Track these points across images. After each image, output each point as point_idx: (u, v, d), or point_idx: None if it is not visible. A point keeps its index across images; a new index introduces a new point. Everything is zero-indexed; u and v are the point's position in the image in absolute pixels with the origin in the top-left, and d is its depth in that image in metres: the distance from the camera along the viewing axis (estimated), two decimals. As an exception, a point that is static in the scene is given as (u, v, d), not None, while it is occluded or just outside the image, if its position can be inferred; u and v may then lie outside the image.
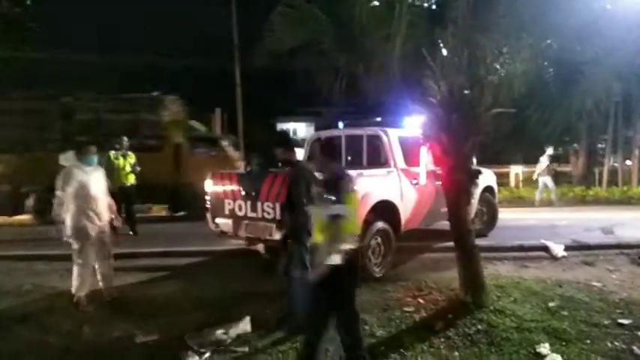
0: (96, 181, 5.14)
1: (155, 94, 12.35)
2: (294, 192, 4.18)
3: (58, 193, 4.97)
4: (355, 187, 3.44)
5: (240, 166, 10.80)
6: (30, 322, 4.80)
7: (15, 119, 11.53)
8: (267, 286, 5.50)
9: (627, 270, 6.52)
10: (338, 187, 3.25)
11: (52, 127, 11.46)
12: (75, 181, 4.96)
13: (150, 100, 12.15)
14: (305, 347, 3.40)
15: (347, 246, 3.18)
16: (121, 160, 8.96)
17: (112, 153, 8.99)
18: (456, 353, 3.96)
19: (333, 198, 3.20)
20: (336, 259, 3.13)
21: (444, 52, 4.62)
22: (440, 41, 4.60)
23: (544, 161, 13.37)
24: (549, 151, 13.33)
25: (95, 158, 5.20)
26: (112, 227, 5.41)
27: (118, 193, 8.89)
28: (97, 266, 5.24)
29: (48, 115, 11.65)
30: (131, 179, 9.08)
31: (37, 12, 18.03)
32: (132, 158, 9.12)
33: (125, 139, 9.25)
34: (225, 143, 12.44)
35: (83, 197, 5.00)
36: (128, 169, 9.01)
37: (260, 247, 6.16)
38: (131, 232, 9.14)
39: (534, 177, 13.78)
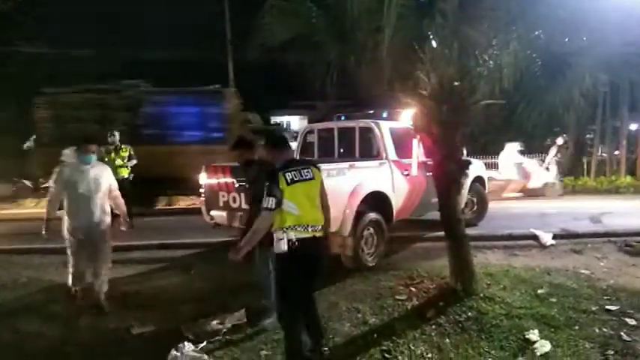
0: (92, 180, 4.81)
1: (217, 87, 12.40)
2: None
3: (51, 189, 4.91)
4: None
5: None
6: (26, 314, 4.84)
7: (78, 113, 11.41)
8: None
9: (615, 257, 6.63)
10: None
11: (116, 120, 11.21)
12: (64, 180, 4.76)
13: (214, 93, 12.17)
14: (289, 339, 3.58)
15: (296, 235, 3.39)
16: (112, 154, 8.95)
17: (104, 147, 8.98)
18: (447, 340, 4.04)
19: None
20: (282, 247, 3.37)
21: (434, 44, 4.66)
22: (429, 33, 4.65)
23: (554, 151, 13.52)
24: (559, 140, 13.48)
25: (93, 157, 4.90)
26: (114, 224, 5.19)
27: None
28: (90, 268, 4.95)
29: (112, 108, 11.56)
30: (123, 173, 9.04)
31: (30, 6, 17.80)
32: (125, 152, 9.10)
33: (116, 132, 9.24)
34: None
35: (72, 196, 4.76)
36: (119, 162, 8.99)
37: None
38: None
39: (544, 166, 13.88)
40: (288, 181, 3.39)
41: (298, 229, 3.40)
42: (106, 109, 11.55)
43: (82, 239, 4.78)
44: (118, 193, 5.11)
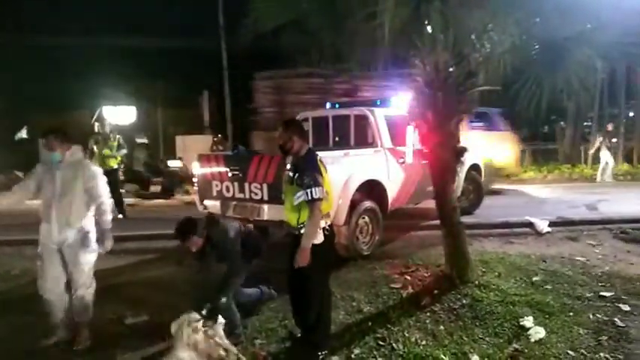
0: (58, 183, 3.85)
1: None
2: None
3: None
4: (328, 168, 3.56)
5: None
6: (18, 305, 4.81)
7: (300, 98, 11.18)
8: (255, 267, 5.53)
9: (610, 244, 6.65)
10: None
11: None
12: (34, 180, 3.95)
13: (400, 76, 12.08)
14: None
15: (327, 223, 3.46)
16: (101, 145, 8.88)
17: (92, 137, 8.95)
18: (442, 327, 4.03)
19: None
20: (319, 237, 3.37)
21: (429, 29, 4.60)
22: (425, 18, 4.58)
23: (600, 138, 13.58)
24: (610, 127, 13.62)
25: (55, 155, 3.87)
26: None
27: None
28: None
29: (331, 93, 11.23)
30: (112, 163, 9.00)
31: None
32: (114, 142, 9.04)
33: (107, 122, 9.21)
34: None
35: (42, 199, 3.93)
36: (107, 152, 8.93)
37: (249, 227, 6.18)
38: (120, 215, 9.13)
39: (590, 153, 13.96)
40: (325, 168, 3.47)
41: (329, 216, 3.50)
42: (326, 94, 11.12)
43: (45, 250, 3.92)
44: (105, 206, 4.01)
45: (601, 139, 13.67)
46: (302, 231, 3.40)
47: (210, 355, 3.30)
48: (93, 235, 3.99)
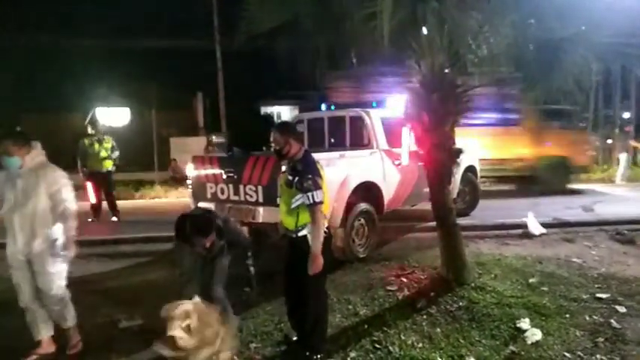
0: (19, 191, 3.56)
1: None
2: None
3: None
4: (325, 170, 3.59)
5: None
6: (11, 309, 4.73)
7: None
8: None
9: (606, 246, 6.67)
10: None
11: None
12: None
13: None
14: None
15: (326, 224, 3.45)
16: (96, 146, 8.81)
17: (86, 139, 8.87)
18: (438, 329, 4.02)
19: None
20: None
21: (425, 31, 4.58)
22: (421, 19, 4.56)
23: (623, 138, 13.73)
24: (628, 128, 13.67)
25: (13, 160, 3.51)
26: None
27: (95, 179, 8.85)
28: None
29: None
30: (107, 165, 8.94)
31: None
32: (108, 143, 8.97)
33: (100, 123, 9.13)
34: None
35: (4, 209, 3.63)
36: (104, 154, 8.86)
37: (243, 229, 6.14)
38: (114, 218, 9.08)
39: (621, 155, 14.13)
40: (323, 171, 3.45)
41: (324, 218, 3.46)
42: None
43: (18, 271, 3.67)
44: (69, 211, 3.67)
45: (627, 140, 13.75)
46: (300, 234, 3.38)
47: (203, 337, 3.22)
48: (62, 243, 3.69)
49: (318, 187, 3.27)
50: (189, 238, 3.60)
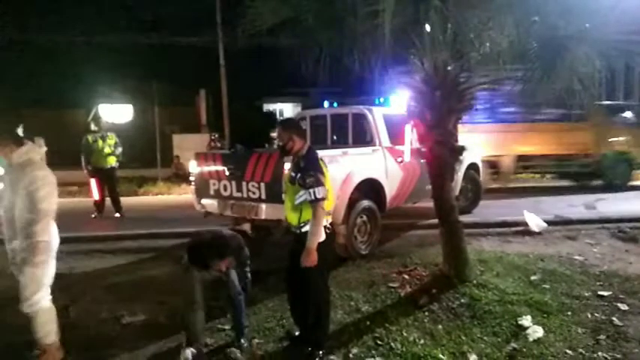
0: (7, 187, 3.42)
1: None
2: None
3: None
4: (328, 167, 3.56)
5: None
6: (13, 305, 4.76)
7: None
8: (253, 265, 5.51)
9: (608, 244, 6.66)
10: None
11: None
12: None
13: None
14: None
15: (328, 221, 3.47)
16: (100, 142, 8.84)
17: (90, 135, 8.90)
18: (440, 326, 4.03)
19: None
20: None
21: (428, 28, 4.58)
22: (424, 17, 4.56)
23: None
24: None
25: None
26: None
27: (100, 175, 8.89)
28: None
29: None
30: (111, 161, 8.98)
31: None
32: (112, 139, 9.00)
33: (104, 120, 9.15)
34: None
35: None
36: (107, 150, 8.89)
37: (246, 226, 6.17)
38: (117, 214, 9.11)
39: None
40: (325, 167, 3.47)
41: (328, 215, 3.48)
42: None
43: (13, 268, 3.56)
44: (40, 215, 3.28)
45: None
46: (303, 230, 3.39)
47: None
48: (45, 245, 3.35)
49: (320, 184, 3.27)
50: (206, 262, 3.55)
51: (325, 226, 3.42)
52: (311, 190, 3.25)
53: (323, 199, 3.28)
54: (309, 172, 3.29)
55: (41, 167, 3.45)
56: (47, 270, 3.44)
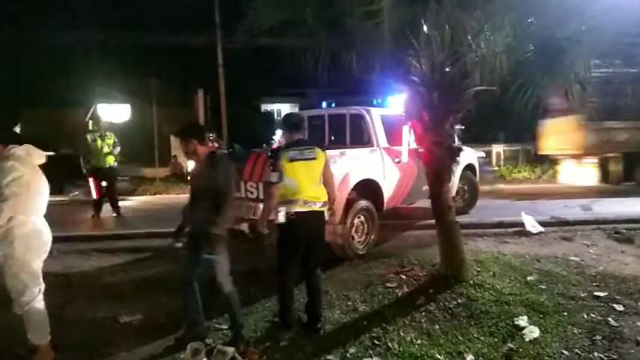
0: None
1: None
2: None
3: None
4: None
5: None
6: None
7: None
8: (249, 265, 5.53)
9: (604, 244, 6.69)
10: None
11: None
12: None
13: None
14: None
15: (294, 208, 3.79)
16: (99, 142, 8.83)
17: (89, 135, 8.89)
18: (437, 326, 4.04)
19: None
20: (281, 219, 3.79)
21: (425, 29, 4.60)
22: (422, 18, 4.58)
23: None
24: None
25: None
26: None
27: (98, 174, 8.88)
28: None
29: None
30: (110, 161, 8.96)
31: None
32: (110, 139, 8.99)
33: (103, 120, 9.14)
34: None
35: None
36: (106, 150, 8.88)
37: (244, 226, 6.16)
38: (114, 214, 9.10)
39: None
40: (289, 158, 3.78)
41: (297, 203, 3.77)
42: None
43: None
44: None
45: None
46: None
47: None
48: (20, 246, 3.36)
49: (274, 169, 3.76)
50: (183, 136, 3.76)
51: (289, 213, 3.75)
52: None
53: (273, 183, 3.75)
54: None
55: (9, 162, 3.37)
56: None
